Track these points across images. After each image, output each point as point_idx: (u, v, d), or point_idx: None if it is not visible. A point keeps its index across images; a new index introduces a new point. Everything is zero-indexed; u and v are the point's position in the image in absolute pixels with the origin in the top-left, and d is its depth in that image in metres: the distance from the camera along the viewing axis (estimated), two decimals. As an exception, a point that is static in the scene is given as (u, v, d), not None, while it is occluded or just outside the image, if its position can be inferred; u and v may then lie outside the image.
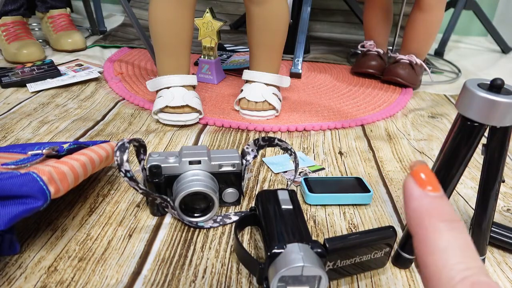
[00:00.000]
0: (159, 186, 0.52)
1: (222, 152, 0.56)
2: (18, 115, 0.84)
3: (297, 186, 0.64)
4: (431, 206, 0.20)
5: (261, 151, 0.74)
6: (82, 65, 1.13)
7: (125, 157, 0.46)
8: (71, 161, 0.47)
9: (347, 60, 1.39)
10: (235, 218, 0.55)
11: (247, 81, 0.92)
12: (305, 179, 0.62)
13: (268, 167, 0.69)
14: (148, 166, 0.52)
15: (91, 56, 1.26)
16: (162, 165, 0.52)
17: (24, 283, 0.43)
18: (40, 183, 0.42)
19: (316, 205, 0.60)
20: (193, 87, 0.87)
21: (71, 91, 0.99)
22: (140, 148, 0.54)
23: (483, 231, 0.45)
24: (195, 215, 0.53)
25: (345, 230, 0.55)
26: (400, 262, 0.48)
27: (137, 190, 0.49)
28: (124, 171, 0.46)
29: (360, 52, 1.27)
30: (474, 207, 0.53)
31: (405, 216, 0.22)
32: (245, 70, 0.92)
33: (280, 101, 0.92)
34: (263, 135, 0.82)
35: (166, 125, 0.83)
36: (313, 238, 0.53)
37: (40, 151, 0.52)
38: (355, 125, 0.89)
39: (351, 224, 0.56)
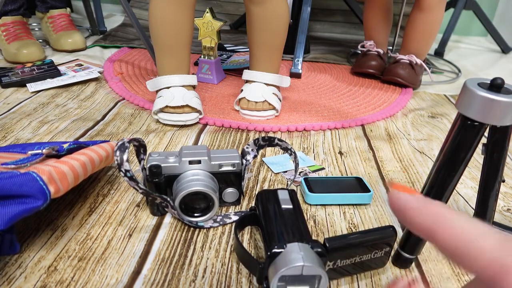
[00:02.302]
0: (159, 186, 0.52)
1: (222, 152, 0.56)
2: (18, 115, 0.84)
3: (297, 186, 0.64)
4: (433, 202, 0.21)
5: (261, 151, 0.74)
6: (82, 65, 1.13)
7: (125, 157, 0.46)
8: (71, 161, 0.47)
9: (347, 60, 1.39)
10: (235, 218, 0.55)
11: (247, 81, 0.92)
12: (305, 179, 0.62)
13: (268, 167, 0.69)
14: (148, 165, 0.52)
15: (91, 56, 1.26)
16: (162, 165, 0.52)
17: (24, 282, 0.43)
18: (40, 183, 0.42)
19: (316, 205, 0.60)
20: (193, 87, 0.87)
21: (71, 91, 0.99)
22: (140, 148, 0.54)
23: (483, 230, 0.45)
24: (195, 215, 0.53)
25: (345, 230, 0.55)
26: (400, 262, 0.48)
27: (137, 190, 0.49)
28: (124, 171, 0.46)
29: (360, 52, 1.27)
30: (474, 207, 0.53)
31: (412, 229, 0.21)
32: (245, 70, 0.92)
33: (280, 101, 0.92)
34: (263, 135, 0.82)
35: (166, 125, 0.83)
36: (313, 238, 0.53)
37: (40, 151, 0.52)
38: (355, 125, 0.89)
39: (351, 224, 0.56)
